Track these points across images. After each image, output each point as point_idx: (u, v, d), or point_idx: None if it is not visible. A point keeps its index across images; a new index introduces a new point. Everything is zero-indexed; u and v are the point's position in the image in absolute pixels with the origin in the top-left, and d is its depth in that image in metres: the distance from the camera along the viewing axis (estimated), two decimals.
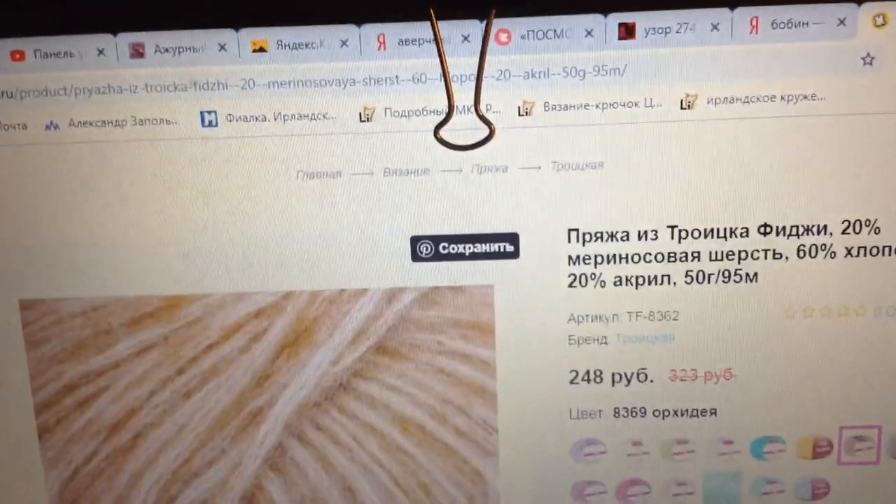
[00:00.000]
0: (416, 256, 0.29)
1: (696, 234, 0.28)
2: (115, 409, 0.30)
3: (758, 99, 0.27)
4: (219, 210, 0.28)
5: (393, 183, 0.28)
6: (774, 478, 0.30)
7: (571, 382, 0.30)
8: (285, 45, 0.27)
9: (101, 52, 0.27)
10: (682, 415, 0.30)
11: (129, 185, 0.28)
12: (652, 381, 0.30)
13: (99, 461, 0.30)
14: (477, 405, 0.30)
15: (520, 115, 0.28)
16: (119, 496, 0.30)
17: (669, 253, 0.29)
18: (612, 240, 0.29)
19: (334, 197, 0.28)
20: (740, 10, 0.27)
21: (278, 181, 0.28)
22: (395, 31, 0.27)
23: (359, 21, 0.27)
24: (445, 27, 0.27)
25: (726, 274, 0.29)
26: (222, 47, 0.27)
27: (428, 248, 0.29)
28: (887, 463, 0.30)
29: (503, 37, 0.27)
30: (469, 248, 0.29)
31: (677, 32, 0.27)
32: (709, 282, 0.29)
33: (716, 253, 0.29)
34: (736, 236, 0.28)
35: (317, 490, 0.31)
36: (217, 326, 0.29)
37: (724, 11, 0.27)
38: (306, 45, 0.27)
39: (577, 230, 0.29)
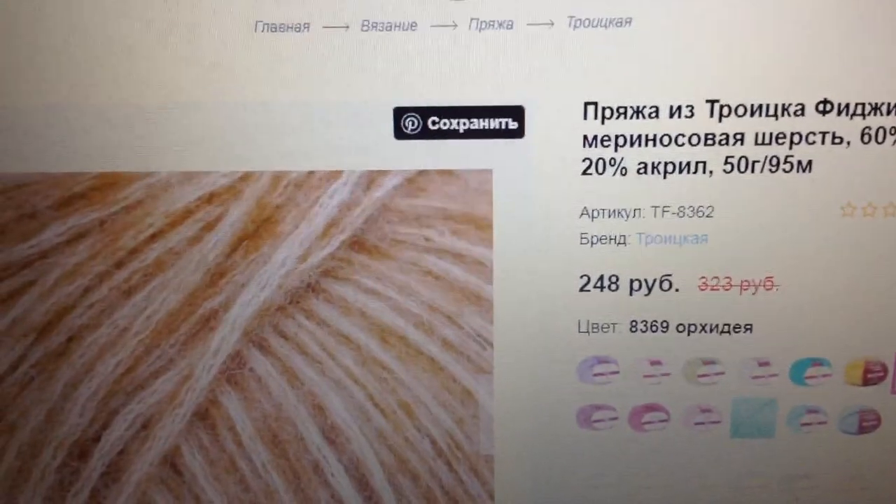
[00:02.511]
0: (400, 133, 0.24)
1: (740, 110, 0.23)
2: (44, 307, 0.25)
3: None
4: (160, 69, 0.23)
5: (373, 39, 0.23)
6: (816, 406, 0.26)
7: (582, 289, 0.25)
8: None
9: None
10: (711, 331, 0.25)
11: (49, 37, 0.23)
12: (677, 290, 0.25)
13: (27, 368, 0.26)
14: (469, 314, 0.25)
15: None
16: (52, 408, 0.26)
17: (707, 134, 0.24)
18: (637, 116, 0.24)
19: (302, 55, 0.23)
20: None
21: (234, 34, 0.23)
22: None
23: None
24: None
25: (774, 161, 0.24)
26: None
27: (415, 122, 0.24)
28: None
29: None
30: (464, 123, 0.24)
31: None
32: (752, 170, 0.24)
33: (763, 135, 0.24)
34: (789, 115, 0.23)
35: (281, 408, 0.26)
36: (162, 212, 0.25)
37: None
38: None
39: (595, 104, 0.24)
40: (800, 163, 0.24)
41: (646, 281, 0.25)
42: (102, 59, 0.23)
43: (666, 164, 0.24)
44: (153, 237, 0.25)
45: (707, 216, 0.24)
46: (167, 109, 0.24)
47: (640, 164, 0.24)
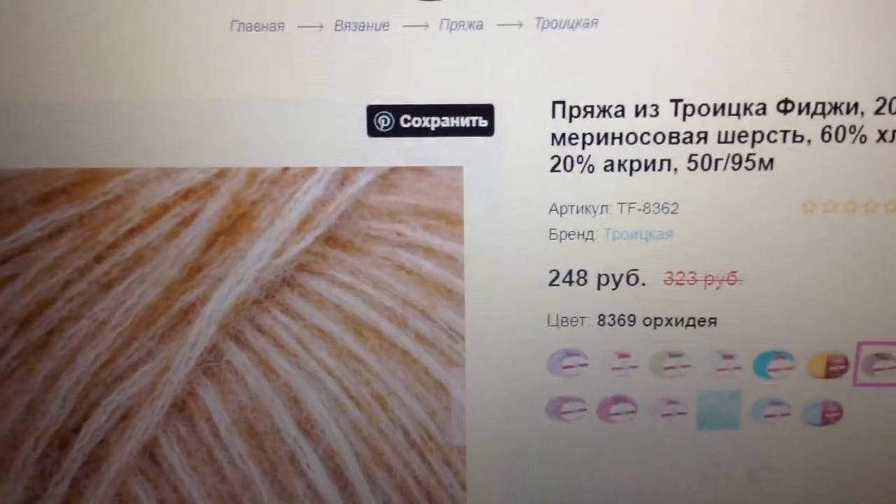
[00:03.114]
0: (373, 130, 0.25)
1: (703, 110, 0.24)
2: (26, 300, 0.26)
3: None
4: (139, 66, 0.24)
5: (346, 39, 0.24)
6: (780, 399, 0.26)
7: (551, 284, 0.26)
8: None
9: None
10: (676, 324, 0.26)
11: (28, 35, 0.24)
12: (644, 285, 0.26)
13: (9, 360, 0.26)
14: (441, 307, 0.26)
15: None
16: (33, 399, 0.27)
17: (671, 132, 0.24)
18: (604, 115, 0.24)
19: (277, 54, 0.24)
20: None
21: (209, 33, 0.24)
22: None
23: None
24: None
25: (737, 159, 0.24)
26: None
27: (387, 120, 0.24)
28: None
29: None
30: (436, 121, 0.24)
31: None
32: (716, 168, 0.24)
33: (726, 133, 0.24)
34: (751, 114, 0.24)
35: (258, 400, 0.27)
36: (140, 207, 0.25)
37: None
38: None
39: (563, 103, 0.24)
40: (762, 161, 0.24)
41: (613, 276, 0.26)
42: (83, 56, 0.24)
43: (632, 161, 0.25)
44: (132, 232, 0.25)
45: (672, 213, 0.25)
46: (146, 106, 0.24)
47: (606, 161, 0.25)
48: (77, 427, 0.27)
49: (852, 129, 0.24)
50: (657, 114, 0.24)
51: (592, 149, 0.24)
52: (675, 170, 0.25)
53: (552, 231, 0.25)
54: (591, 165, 0.25)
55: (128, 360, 0.26)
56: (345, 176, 0.25)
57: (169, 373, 0.26)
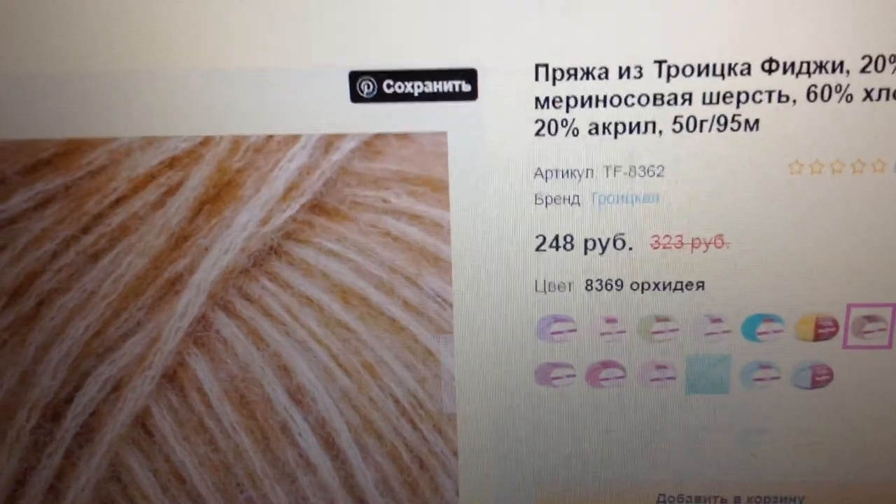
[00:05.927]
0: (355, 96, 0.24)
1: (687, 70, 0.24)
2: (15, 271, 0.26)
3: None
4: (119, 37, 0.24)
5: (326, 3, 0.24)
6: (769, 362, 0.26)
7: (537, 249, 0.26)
8: None
9: None
10: (664, 288, 0.26)
11: (9, 5, 0.24)
12: (631, 249, 0.26)
13: None
14: (428, 274, 0.26)
15: None
16: (25, 371, 0.27)
17: (655, 94, 0.24)
18: (587, 77, 0.24)
19: (256, 20, 0.24)
20: None
21: (190, 0, 0.24)
22: None
23: None
24: None
25: (722, 120, 0.24)
26: None
27: (370, 86, 0.24)
28: None
29: None
30: (419, 86, 0.24)
31: None
32: (701, 130, 0.24)
33: (711, 94, 0.24)
34: (735, 74, 0.24)
35: (248, 369, 0.27)
36: (125, 177, 0.25)
37: None
38: None
39: (546, 66, 0.24)
40: (747, 121, 0.24)
41: (600, 240, 0.25)
42: (66, 27, 0.24)
43: (616, 124, 0.24)
44: (117, 202, 0.25)
45: (658, 175, 0.25)
46: (128, 76, 0.24)
47: (591, 124, 0.24)
48: (69, 398, 0.27)
49: (838, 88, 0.24)
50: (641, 75, 0.24)
51: (576, 112, 0.24)
52: (660, 132, 0.24)
53: (538, 196, 0.25)
54: (575, 129, 0.24)
55: (118, 331, 0.27)
56: (329, 143, 0.25)
57: (159, 343, 0.27)
